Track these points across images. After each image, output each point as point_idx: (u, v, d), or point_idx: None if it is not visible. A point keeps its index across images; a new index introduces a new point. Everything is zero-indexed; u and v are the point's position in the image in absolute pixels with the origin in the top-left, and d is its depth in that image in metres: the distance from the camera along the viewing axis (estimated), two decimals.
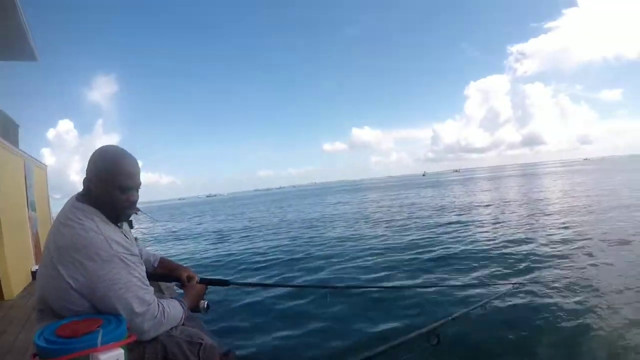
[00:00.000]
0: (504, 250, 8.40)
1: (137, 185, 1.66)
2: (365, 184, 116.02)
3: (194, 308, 1.94)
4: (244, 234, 16.73)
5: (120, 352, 1.30)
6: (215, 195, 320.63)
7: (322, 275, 7.64)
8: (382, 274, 7.35)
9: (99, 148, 1.66)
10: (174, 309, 1.67)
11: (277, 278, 7.72)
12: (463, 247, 9.19)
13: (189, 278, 2.04)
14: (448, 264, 7.76)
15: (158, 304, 1.59)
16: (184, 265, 2.18)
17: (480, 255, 8.24)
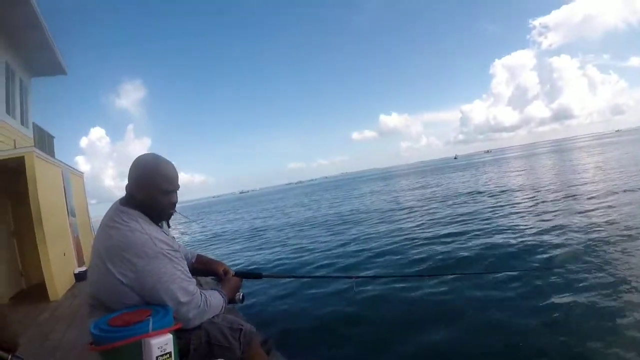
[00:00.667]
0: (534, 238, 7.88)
1: (177, 188, 1.80)
2: (397, 171, 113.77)
3: (231, 299, 2.05)
4: (279, 230, 16.76)
5: (169, 337, 1.41)
6: (247, 192, 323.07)
7: (352, 265, 7.51)
8: (412, 265, 7.16)
9: (139, 156, 1.80)
10: (215, 299, 1.81)
11: (309, 268, 7.75)
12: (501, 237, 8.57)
13: (225, 272, 2.17)
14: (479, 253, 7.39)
15: (201, 294, 1.72)
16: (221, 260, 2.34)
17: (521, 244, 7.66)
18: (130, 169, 1.77)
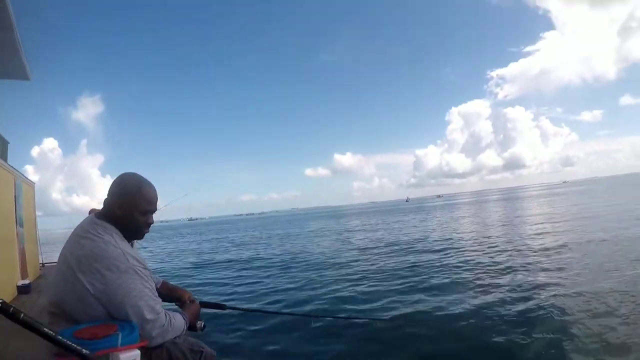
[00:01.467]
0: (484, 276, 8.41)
1: (155, 209, 1.87)
2: (348, 210, 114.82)
3: (192, 327, 2.05)
4: (229, 257, 16.70)
5: (137, 352, 1.43)
6: (196, 219, 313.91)
7: (306, 301, 7.68)
8: (371, 303, 7.20)
9: (124, 174, 1.86)
10: (178, 320, 1.82)
11: (274, 305, 7.64)
12: (445, 274, 9.08)
13: (190, 300, 2.19)
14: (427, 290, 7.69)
15: (166, 314, 1.74)
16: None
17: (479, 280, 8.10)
18: (112, 184, 1.83)
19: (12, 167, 8.03)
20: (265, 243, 23.94)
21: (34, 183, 10.92)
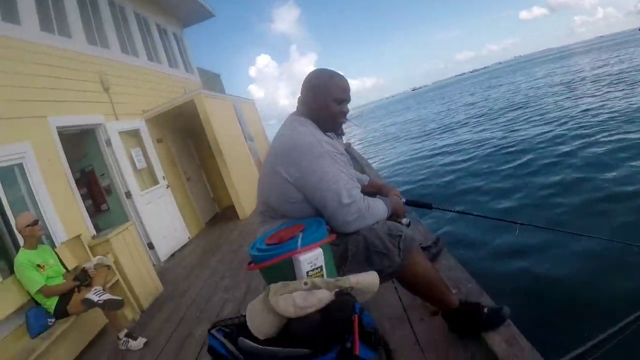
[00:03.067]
0: None
1: (348, 99, 1.85)
2: (575, 49, 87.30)
3: (395, 220, 1.95)
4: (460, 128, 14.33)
5: (318, 251, 1.40)
6: (420, 88, 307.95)
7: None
8: None
9: (312, 71, 1.88)
10: (380, 207, 1.77)
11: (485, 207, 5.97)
12: None
13: (396, 195, 2.15)
14: None
15: (364, 199, 1.69)
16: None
17: None
18: (304, 80, 1.87)
19: (228, 94, 9.19)
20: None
21: (253, 101, 12.55)
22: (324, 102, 1.78)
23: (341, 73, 1.85)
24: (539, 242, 3.96)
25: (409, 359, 2.00)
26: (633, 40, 40.70)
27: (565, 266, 3.58)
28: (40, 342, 3.02)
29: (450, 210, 2.69)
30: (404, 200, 2.17)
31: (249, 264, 1.50)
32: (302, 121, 1.78)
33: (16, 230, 3.41)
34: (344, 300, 1.18)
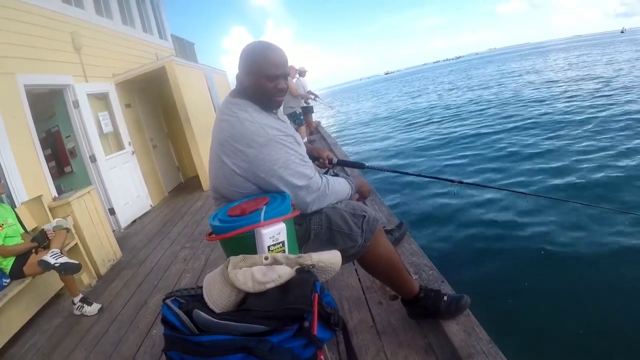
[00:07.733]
0: None
1: (284, 74, 1.68)
2: (549, 45, 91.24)
3: (362, 195, 2.02)
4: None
5: (281, 226, 1.38)
6: (393, 72, 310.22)
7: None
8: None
9: (247, 45, 1.72)
10: (341, 185, 1.76)
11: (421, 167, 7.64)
12: None
13: (329, 158, 2.19)
14: None
15: (320, 177, 1.67)
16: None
17: None
18: (239, 57, 1.71)
19: (200, 64, 9.09)
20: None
21: (225, 72, 12.41)
22: (257, 80, 1.64)
23: (275, 46, 1.70)
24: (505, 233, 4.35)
25: (365, 342, 2.00)
26: (617, 42, 42.31)
27: (527, 264, 3.69)
28: None
29: (383, 170, 2.72)
30: (335, 160, 2.20)
31: (209, 234, 1.49)
32: (241, 105, 1.65)
33: None
34: (304, 278, 1.16)
